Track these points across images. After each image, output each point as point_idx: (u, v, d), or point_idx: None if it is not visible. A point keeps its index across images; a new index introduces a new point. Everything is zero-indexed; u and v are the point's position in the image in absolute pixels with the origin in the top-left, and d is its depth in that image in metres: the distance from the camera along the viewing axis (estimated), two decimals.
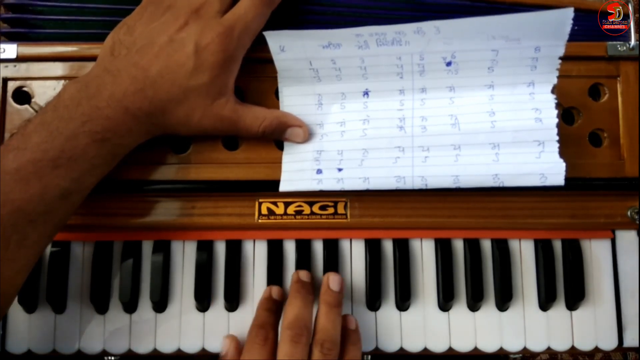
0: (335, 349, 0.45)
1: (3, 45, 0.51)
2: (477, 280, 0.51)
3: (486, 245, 0.53)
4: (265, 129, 0.48)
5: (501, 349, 0.52)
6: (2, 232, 0.41)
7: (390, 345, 0.51)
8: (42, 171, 0.42)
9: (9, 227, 0.41)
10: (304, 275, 0.50)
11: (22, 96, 0.52)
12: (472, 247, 0.52)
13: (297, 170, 0.50)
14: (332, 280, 0.49)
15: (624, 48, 0.52)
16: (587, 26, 0.53)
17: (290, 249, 0.52)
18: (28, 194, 0.41)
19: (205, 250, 0.51)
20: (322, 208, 0.51)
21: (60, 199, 0.43)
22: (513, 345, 0.52)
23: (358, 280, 0.52)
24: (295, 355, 0.44)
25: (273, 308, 0.49)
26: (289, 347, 0.44)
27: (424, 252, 0.52)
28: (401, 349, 0.51)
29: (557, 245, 0.53)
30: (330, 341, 0.45)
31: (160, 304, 0.51)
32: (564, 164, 0.46)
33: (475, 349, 0.51)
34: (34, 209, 0.42)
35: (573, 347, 0.52)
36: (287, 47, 0.48)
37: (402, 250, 0.52)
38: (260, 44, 0.48)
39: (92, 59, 0.48)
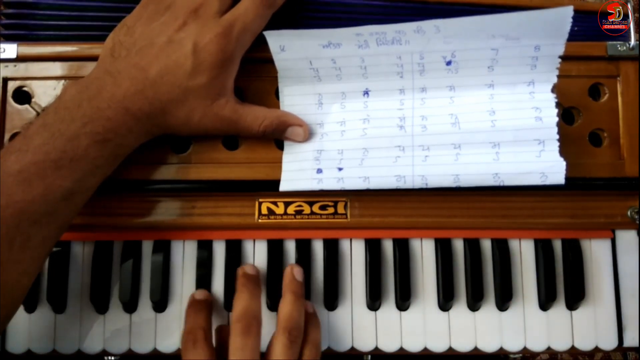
0: (300, 335, 0.47)
1: (3, 45, 0.51)
2: (477, 280, 0.51)
3: (486, 245, 0.53)
4: (265, 128, 0.48)
5: (501, 349, 0.51)
6: (6, 234, 0.41)
7: (390, 345, 0.51)
8: (44, 172, 0.42)
9: (12, 229, 0.41)
10: (249, 268, 0.50)
11: (22, 96, 0.52)
12: (472, 247, 0.52)
13: (298, 170, 0.50)
14: (296, 271, 0.50)
15: (624, 48, 0.52)
16: (587, 26, 0.53)
17: (290, 249, 0.52)
18: (31, 196, 0.41)
19: (205, 250, 0.51)
20: (322, 208, 0.51)
21: (63, 200, 0.43)
22: (513, 345, 0.51)
23: (358, 280, 0.52)
24: (247, 347, 0.44)
25: (198, 309, 0.49)
26: (240, 339, 0.44)
27: (424, 252, 0.52)
28: (401, 349, 0.51)
29: (557, 245, 0.53)
30: (297, 328, 0.47)
31: (160, 304, 0.51)
32: (564, 163, 0.46)
33: (475, 349, 0.51)
34: (37, 210, 0.42)
35: (573, 347, 0.52)
36: (287, 46, 0.48)
37: (402, 250, 0.52)
38: (260, 44, 0.48)
39: (92, 59, 0.48)
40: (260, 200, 0.51)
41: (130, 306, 0.51)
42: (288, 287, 0.49)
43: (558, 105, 0.47)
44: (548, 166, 0.47)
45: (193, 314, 0.48)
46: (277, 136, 0.50)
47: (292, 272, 0.50)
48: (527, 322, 0.52)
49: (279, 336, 0.46)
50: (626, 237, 0.53)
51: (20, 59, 0.51)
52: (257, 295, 0.48)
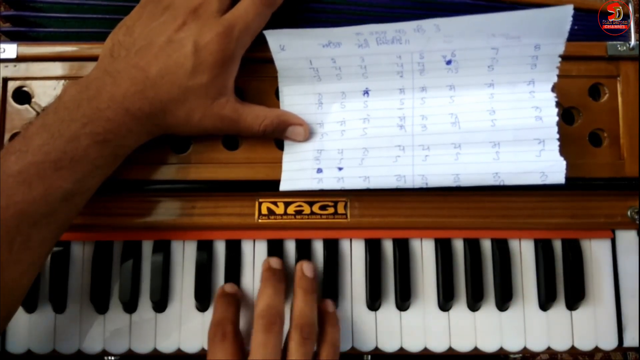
0: (313, 332, 0.46)
1: (3, 45, 0.51)
2: (477, 280, 0.51)
3: (486, 245, 0.53)
4: (266, 127, 0.48)
5: (501, 349, 0.51)
6: (6, 235, 0.41)
7: (390, 345, 0.51)
8: (44, 173, 0.42)
9: (12, 230, 0.41)
10: (274, 262, 0.50)
11: (22, 96, 0.52)
12: (472, 247, 0.52)
13: (298, 170, 0.50)
14: (305, 267, 0.50)
15: (624, 48, 0.52)
16: (587, 26, 0.53)
17: (290, 249, 0.52)
18: (31, 196, 0.41)
19: (205, 250, 0.51)
20: (322, 208, 0.51)
21: (62, 200, 0.43)
22: (513, 345, 0.51)
23: (358, 280, 0.52)
24: (269, 343, 0.44)
25: (228, 302, 0.49)
26: (263, 336, 0.45)
27: (424, 252, 0.52)
28: (401, 349, 0.51)
29: (557, 245, 0.53)
30: (309, 325, 0.46)
31: (160, 304, 0.51)
32: (564, 162, 0.46)
33: (475, 349, 0.51)
34: (36, 211, 0.42)
35: (573, 347, 0.52)
36: (287, 46, 0.48)
37: (402, 250, 0.52)
38: (260, 44, 0.48)
39: (92, 59, 0.48)
40: (260, 200, 0.51)
41: (130, 306, 0.51)
42: (298, 284, 0.49)
43: (558, 105, 0.47)
44: (548, 166, 0.47)
45: (223, 306, 0.48)
46: (277, 136, 0.50)
47: (302, 268, 0.50)
48: (527, 322, 0.52)
49: (292, 334, 0.46)
50: (626, 237, 0.53)
51: (20, 59, 0.51)
52: (280, 290, 0.48)
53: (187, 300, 0.51)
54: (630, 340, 0.52)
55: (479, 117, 0.48)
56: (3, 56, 0.51)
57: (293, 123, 0.49)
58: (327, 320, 0.49)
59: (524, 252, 0.53)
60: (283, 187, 0.50)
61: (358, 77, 0.49)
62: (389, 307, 0.52)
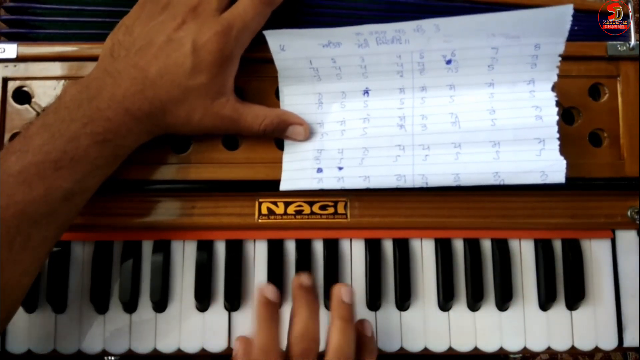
0: None
1: (3, 45, 0.51)
2: (477, 280, 0.51)
3: (486, 245, 0.53)
4: (266, 127, 0.48)
5: (501, 349, 0.51)
6: (6, 235, 0.41)
7: (390, 345, 0.51)
8: (44, 173, 0.42)
9: (12, 229, 0.41)
10: (305, 279, 0.45)
11: (22, 96, 0.52)
12: (472, 247, 0.52)
13: (298, 169, 0.50)
14: (344, 293, 0.45)
15: (624, 48, 0.52)
16: (587, 26, 0.53)
17: (290, 249, 0.52)
18: (31, 196, 0.41)
19: (205, 250, 0.51)
20: (322, 208, 0.51)
21: (63, 200, 0.43)
22: (513, 345, 0.51)
23: (358, 280, 0.52)
24: None
25: (272, 316, 0.44)
26: None
27: (424, 252, 0.52)
28: (401, 349, 0.51)
29: (557, 245, 0.53)
30: None
31: (160, 304, 0.51)
32: (564, 162, 0.46)
33: (475, 349, 0.51)
34: (37, 211, 0.42)
35: (573, 347, 0.52)
36: (287, 46, 0.48)
37: (402, 250, 0.52)
38: (260, 44, 0.48)
39: (92, 59, 0.48)
40: (260, 200, 0.51)
41: (130, 306, 0.51)
42: (336, 312, 0.45)
43: (558, 105, 0.47)
44: (548, 165, 0.47)
45: (268, 322, 0.43)
46: (277, 135, 0.50)
47: (340, 293, 0.45)
48: (527, 322, 0.52)
49: None
50: (626, 237, 0.53)
51: (20, 59, 0.51)
52: (316, 311, 0.44)
53: (187, 300, 0.51)
54: (630, 340, 0.52)
55: (479, 116, 0.48)
56: (3, 56, 0.51)
57: (293, 122, 0.49)
58: (363, 346, 0.45)
59: (524, 252, 0.53)
60: (283, 186, 0.50)
61: (358, 77, 0.49)
62: (389, 307, 0.52)
